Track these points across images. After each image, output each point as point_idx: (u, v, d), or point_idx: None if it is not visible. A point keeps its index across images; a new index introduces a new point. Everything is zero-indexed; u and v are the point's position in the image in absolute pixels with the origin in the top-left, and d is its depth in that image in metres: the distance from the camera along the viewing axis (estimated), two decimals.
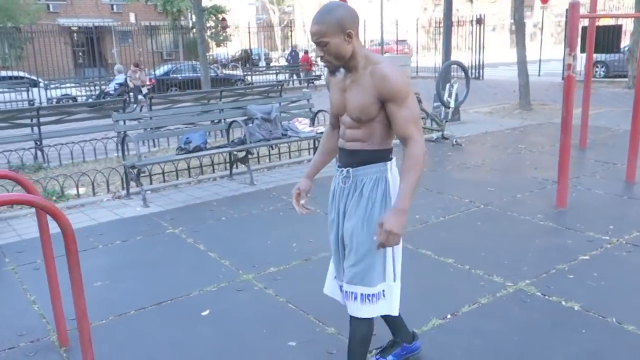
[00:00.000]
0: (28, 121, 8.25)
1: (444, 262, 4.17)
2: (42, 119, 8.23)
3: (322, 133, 7.32)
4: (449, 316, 3.36)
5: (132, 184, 6.28)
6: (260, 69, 26.33)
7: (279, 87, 10.23)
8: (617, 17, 21.94)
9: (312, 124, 7.54)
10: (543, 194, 5.77)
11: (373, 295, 2.36)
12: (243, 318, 3.48)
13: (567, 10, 14.71)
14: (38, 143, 8.37)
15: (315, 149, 7.63)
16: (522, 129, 9.77)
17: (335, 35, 2.20)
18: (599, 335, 3.09)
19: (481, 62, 21.29)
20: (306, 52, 24.80)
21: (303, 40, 40.26)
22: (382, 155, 2.36)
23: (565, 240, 4.51)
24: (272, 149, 7.48)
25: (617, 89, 16.08)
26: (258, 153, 7.57)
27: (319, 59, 2.41)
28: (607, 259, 4.11)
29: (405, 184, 2.18)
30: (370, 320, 2.42)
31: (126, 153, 6.41)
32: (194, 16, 28.58)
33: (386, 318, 2.74)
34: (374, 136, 2.32)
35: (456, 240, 4.61)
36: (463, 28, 22.03)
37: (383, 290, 2.38)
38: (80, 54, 31.20)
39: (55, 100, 17.08)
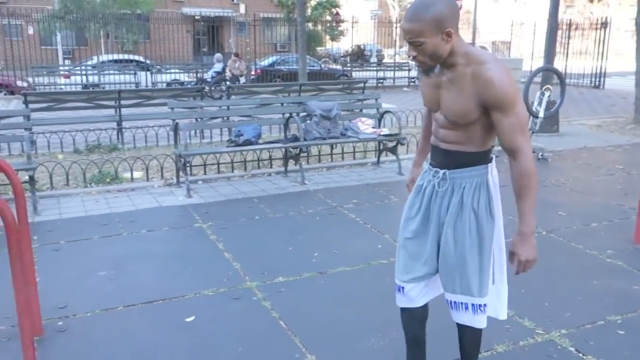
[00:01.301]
0: (112, 103, 8.58)
1: None
2: (122, 102, 8.49)
3: (386, 136, 6.91)
4: None
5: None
6: (371, 65, 25.86)
7: (363, 83, 9.81)
8: None
9: (378, 125, 7.06)
10: (623, 225, 4.91)
11: (485, 305, 2.27)
12: (226, 331, 3.19)
13: None
14: (118, 124, 8.67)
15: (380, 151, 7.14)
16: (629, 147, 8.59)
17: (433, 35, 1.94)
18: None
19: (603, 70, 19.37)
20: None
21: None
22: (482, 157, 2.14)
23: (631, 285, 3.74)
24: (334, 147, 7.09)
25: None
26: (319, 151, 7.23)
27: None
28: None
29: (524, 205, 2.04)
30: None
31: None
32: (308, 10, 28.87)
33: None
34: (472, 139, 2.10)
35: None
36: (596, 32, 20.07)
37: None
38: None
39: (165, 84, 17.91)
